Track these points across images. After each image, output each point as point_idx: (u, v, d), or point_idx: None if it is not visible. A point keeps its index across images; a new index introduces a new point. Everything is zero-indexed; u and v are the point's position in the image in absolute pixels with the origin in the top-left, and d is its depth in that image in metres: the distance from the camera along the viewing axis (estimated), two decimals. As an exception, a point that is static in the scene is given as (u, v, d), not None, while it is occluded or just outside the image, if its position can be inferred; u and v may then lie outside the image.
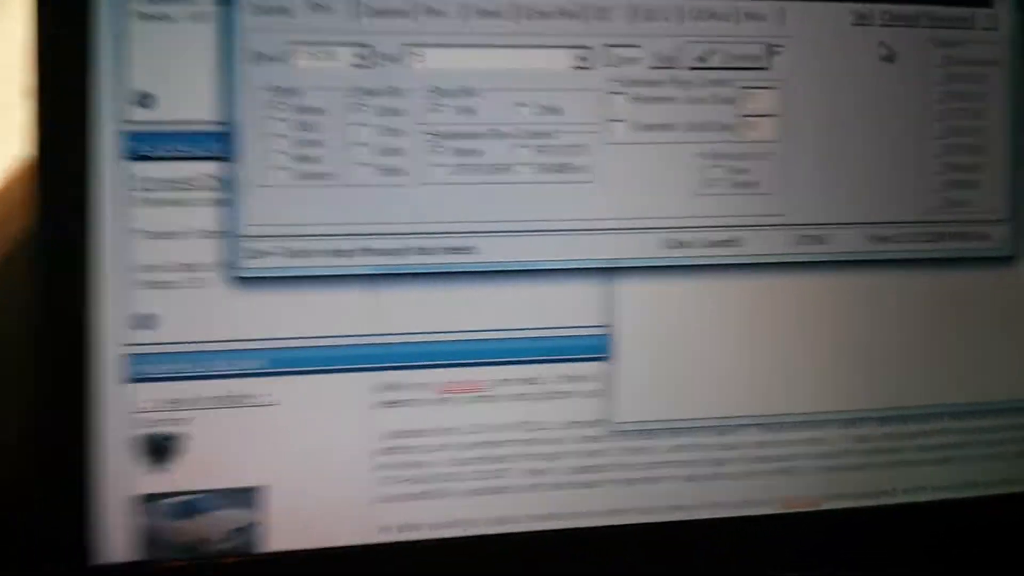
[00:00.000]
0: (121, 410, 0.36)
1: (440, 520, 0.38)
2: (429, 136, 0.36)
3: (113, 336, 0.35)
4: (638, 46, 0.38)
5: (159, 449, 0.36)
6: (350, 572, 0.38)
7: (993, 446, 0.42)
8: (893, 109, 0.40)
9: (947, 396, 0.42)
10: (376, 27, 0.36)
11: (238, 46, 0.35)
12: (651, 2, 0.38)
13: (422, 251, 0.37)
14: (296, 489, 0.37)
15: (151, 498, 0.36)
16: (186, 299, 0.36)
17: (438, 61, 0.36)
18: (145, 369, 0.36)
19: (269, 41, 0.35)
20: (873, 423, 0.41)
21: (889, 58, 0.40)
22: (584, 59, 0.37)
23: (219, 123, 0.35)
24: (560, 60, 0.37)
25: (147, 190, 0.35)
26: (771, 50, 0.39)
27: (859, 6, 0.39)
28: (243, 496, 0.37)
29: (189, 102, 0.35)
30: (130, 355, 0.35)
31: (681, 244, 0.39)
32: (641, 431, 0.39)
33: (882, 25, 0.39)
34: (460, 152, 0.37)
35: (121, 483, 0.36)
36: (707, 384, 0.40)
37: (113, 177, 0.35)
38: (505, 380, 0.38)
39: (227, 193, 0.35)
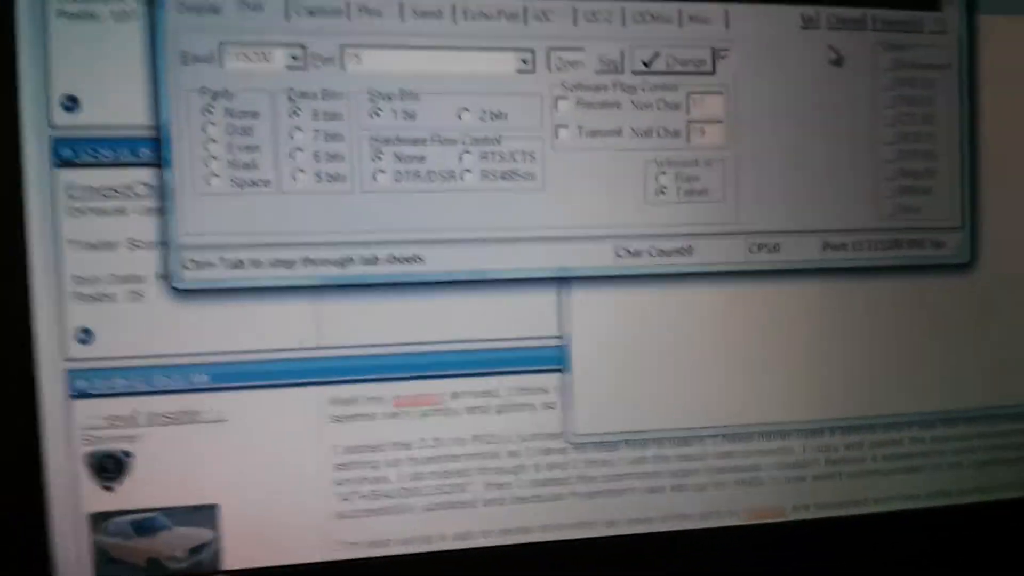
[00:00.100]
0: (66, 427, 0.35)
1: (400, 536, 0.38)
2: (369, 141, 0.36)
3: (52, 353, 0.35)
4: (582, 49, 0.37)
5: (107, 467, 0.35)
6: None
7: (962, 454, 0.42)
8: (843, 114, 0.40)
9: (912, 405, 0.41)
10: (310, 27, 0.35)
11: (166, 46, 0.34)
12: (593, 4, 0.37)
13: (367, 261, 0.36)
14: (251, 506, 0.36)
15: (104, 517, 0.36)
16: (125, 312, 0.35)
17: (376, 63, 0.36)
18: (87, 385, 0.35)
19: (198, 41, 0.35)
20: (838, 432, 0.41)
21: (837, 62, 0.39)
22: (527, 62, 0.37)
23: (149, 127, 0.34)
24: (503, 63, 0.37)
25: (77, 198, 0.34)
26: (716, 54, 0.38)
27: (806, 9, 0.39)
28: (198, 514, 0.36)
29: (117, 105, 0.34)
30: (71, 371, 0.35)
31: (633, 252, 0.38)
32: (601, 443, 0.39)
33: (829, 28, 0.39)
34: (402, 158, 0.36)
35: (72, 502, 0.35)
36: (667, 395, 0.39)
37: (40, 185, 0.34)
38: (460, 393, 0.38)
39: (161, 201, 0.35)
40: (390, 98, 0.36)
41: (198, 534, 0.36)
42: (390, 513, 0.38)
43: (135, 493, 0.36)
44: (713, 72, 0.38)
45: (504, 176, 0.37)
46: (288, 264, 0.36)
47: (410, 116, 0.36)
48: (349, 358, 0.37)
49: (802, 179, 0.39)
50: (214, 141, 0.35)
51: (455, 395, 0.38)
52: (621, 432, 0.39)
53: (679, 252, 0.38)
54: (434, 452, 0.38)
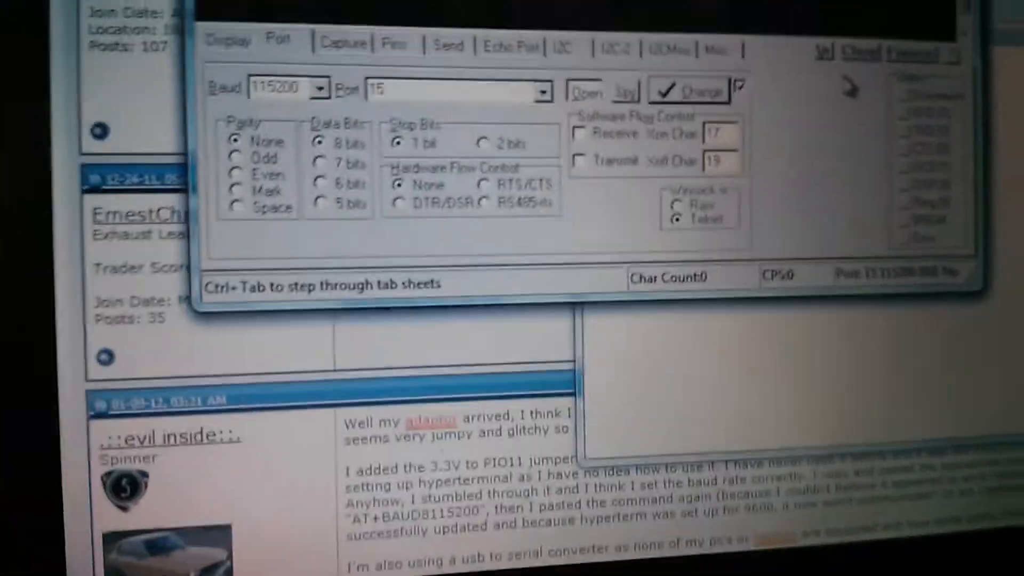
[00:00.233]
0: (83, 447, 0.35)
1: (411, 558, 0.38)
2: (390, 169, 0.36)
3: (73, 373, 0.35)
4: (599, 80, 0.38)
5: (123, 486, 0.36)
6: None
7: (972, 481, 0.42)
8: (857, 144, 0.40)
9: (923, 431, 0.41)
10: (335, 58, 0.36)
11: (194, 76, 0.35)
12: (612, 36, 0.38)
13: (384, 285, 0.37)
14: (263, 527, 0.37)
15: (118, 536, 0.36)
16: (146, 334, 0.35)
17: (398, 93, 0.36)
18: (107, 406, 0.35)
19: (226, 72, 0.35)
20: (849, 458, 0.41)
21: (852, 92, 0.40)
22: (545, 92, 0.37)
23: (176, 154, 0.35)
24: (521, 93, 0.37)
25: (103, 222, 0.35)
26: (732, 84, 0.39)
27: (821, 40, 0.39)
28: (210, 535, 0.36)
29: (145, 133, 0.35)
30: (90, 391, 0.35)
31: (647, 278, 0.38)
32: (612, 467, 0.39)
33: (844, 59, 0.40)
34: (422, 185, 0.37)
35: (87, 521, 0.35)
36: (678, 420, 0.39)
37: (68, 209, 0.35)
38: (473, 416, 0.38)
39: (186, 226, 0.35)
40: (411, 127, 0.36)
41: (211, 554, 0.36)
42: (402, 535, 0.38)
43: (149, 513, 0.36)
44: (729, 102, 0.39)
45: (521, 203, 0.37)
46: (307, 288, 0.36)
47: (430, 144, 0.37)
48: (364, 380, 0.37)
49: (816, 207, 0.40)
50: (239, 168, 0.35)
51: (468, 418, 0.38)
52: (632, 456, 0.39)
53: (693, 278, 0.39)
54: (446, 475, 0.38)
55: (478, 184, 0.37)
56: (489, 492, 0.38)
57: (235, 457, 0.36)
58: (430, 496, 0.38)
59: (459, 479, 0.38)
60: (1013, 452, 0.42)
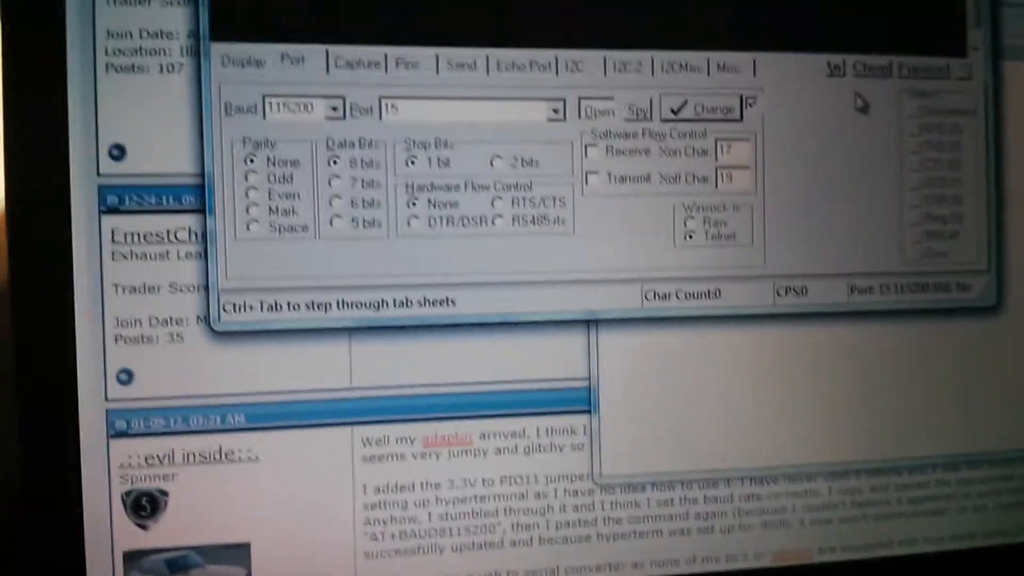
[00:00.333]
0: (103, 467, 0.35)
1: (428, 575, 0.38)
2: (404, 188, 0.37)
3: (92, 392, 0.35)
4: (612, 98, 0.38)
5: (143, 505, 0.36)
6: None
7: (987, 497, 0.42)
8: (869, 160, 0.40)
9: (937, 447, 0.41)
10: (349, 79, 0.36)
11: (211, 98, 0.35)
12: (623, 54, 0.38)
13: (400, 303, 0.37)
14: (282, 545, 0.37)
15: (138, 555, 0.36)
16: (165, 354, 0.36)
17: (412, 113, 0.37)
18: (125, 425, 0.36)
19: (242, 93, 0.35)
20: (864, 475, 0.41)
21: (863, 109, 0.40)
22: (558, 111, 0.37)
23: (193, 175, 0.35)
24: (534, 112, 0.37)
25: (122, 243, 0.35)
26: (744, 101, 0.39)
27: (832, 57, 0.39)
28: (230, 552, 0.37)
29: (162, 154, 0.35)
30: (110, 411, 0.35)
31: (661, 295, 0.38)
32: (628, 485, 0.39)
33: (856, 76, 0.40)
34: (436, 204, 0.37)
35: (108, 539, 0.36)
36: (694, 437, 0.40)
37: (87, 230, 0.35)
38: (490, 433, 0.38)
39: (203, 246, 0.35)
40: (425, 146, 0.37)
41: (230, 572, 0.37)
42: (419, 553, 0.38)
43: (169, 531, 0.36)
44: (741, 119, 0.39)
45: (535, 221, 0.38)
46: (323, 307, 0.36)
47: (444, 163, 0.37)
48: (381, 398, 0.37)
49: (829, 223, 0.40)
50: (255, 188, 0.36)
51: (484, 436, 0.38)
52: (648, 473, 0.39)
53: (707, 295, 0.39)
54: (463, 492, 0.38)
55: (492, 203, 0.37)
56: (505, 510, 0.38)
57: (254, 475, 0.36)
58: (447, 514, 0.38)
59: (476, 497, 0.38)
60: (1027, 467, 0.42)
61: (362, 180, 0.36)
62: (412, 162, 0.37)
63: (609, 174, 0.38)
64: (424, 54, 0.37)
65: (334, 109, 0.36)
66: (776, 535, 0.40)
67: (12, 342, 0.35)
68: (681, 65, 0.38)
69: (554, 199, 0.38)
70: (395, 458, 0.37)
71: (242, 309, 0.36)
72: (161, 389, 0.36)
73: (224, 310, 0.36)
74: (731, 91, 0.39)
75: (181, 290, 0.35)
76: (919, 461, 0.41)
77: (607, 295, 0.38)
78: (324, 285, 0.36)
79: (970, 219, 0.41)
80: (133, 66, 0.35)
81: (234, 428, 0.36)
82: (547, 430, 0.38)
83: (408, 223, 0.37)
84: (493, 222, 0.37)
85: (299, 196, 0.36)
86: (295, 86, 0.36)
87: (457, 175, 0.37)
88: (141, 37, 0.35)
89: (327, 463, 0.37)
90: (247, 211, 0.36)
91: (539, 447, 0.38)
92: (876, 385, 0.41)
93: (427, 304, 0.37)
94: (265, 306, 0.36)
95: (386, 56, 0.36)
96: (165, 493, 0.36)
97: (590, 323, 0.38)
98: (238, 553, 0.37)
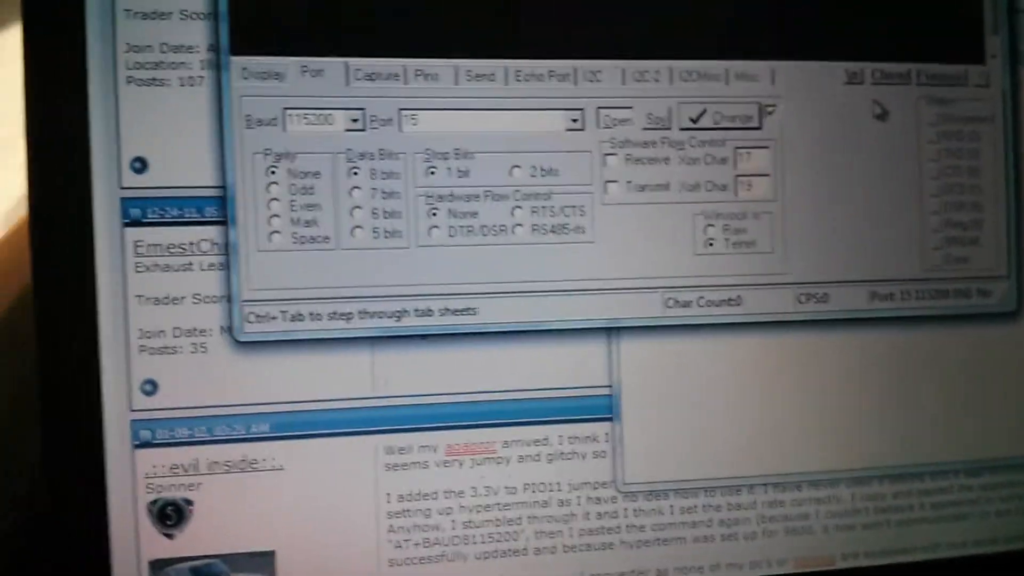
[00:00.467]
0: (128, 476, 0.36)
1: (452, 584, 0.38)
2: (425, 198, 0.37)
3: (117, 403, 0.35)
4: (630, 107, 0.38)
5: (168, 514, 0.36)
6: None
7: (1009, 502, 0.42)
8: (888, 167, 0.40)
9: (960, 453, 0.41)
10: (369, 91, 0.36)
11: (231, 110, 0.35)
12: (641, 64, 0.38)
13: (422, 313, 0.37)
14: (305, 554, 0.37)
15: (164, 563, 0.36)
16: (188, 364, 0.36)
17: (432, 124, 0.37)
18: (150, 435, 0.36)
19: (262, 105, 0.36)
20: (887, 481, 0.41)
21: (882, 116, 0.40)
22: (576, 120, 0.38)
23: (215, 187, 0.35)
24: (553, 122, 0.38)
25: (145, 255, 0.35)
26: (763, 110, 0.39)
27: (850, 65, 0.40)
28: (255, 560, 0.37)
29: (184, 166, 0.35)
30: (134, 421, 0.36)
31: (682, 303, 0.39)
32: (651, 492, 0.39)
33: (874, 83, 0.40)
34: (456, 214, 0.37)
35: (133, 549, 0.36)
36: (716, 444, 0.39)
37: (110, 243, 0.35)
38: (513, 442, 0.38)
39: (226, 257, 0.36)
40: (445, 157, 0.37)
41: (255, 581, 0.37)
42: (443, 561, 0.38)
43: (194, 540, 0.36)
44: (760, 127, 0.39)
45: (555, 230, 0.38)
46: (346, 317, 0.36)
47: (464, 174, 0.37)
48: (404, 407, 0.37)
49: (849, 230, 0.40)
50: (276, 200, 0.36)
51: (507, 444, 0.38)
52: (671, 481, 0.39)
53: (728, 303, 0.39)
54: (486, 500, 0.38)
55: (512, 212, 0.37)
56: (528, 517, 0.38)
57: (278, 484, 0.37)
58: (470, 521, 0.38)
59: (499, 504, 0.38)
60: (1050, 471, 0.42)
61: (383, 191, 0.36)
62: (432, 172, 0.37)
63: (628, 183, 0.38)
64: (443, 66, 0.37)
65: (354, 121, 0.36)
66: (799, 541, 0.40)
67: (37, 354, 0.35)
68: (699, 74, 0.38)
69: (574, 208, 0.38)
70: (418, 466, 0.38)
71: (265, 319, 0.36)
72: (185, 399, 0.36)
73: (247, 320, 0.36)
74: (750, 99, 0.39)
75: (204, 301, 0.36)
76: (941, 467, 0.41)
77: (628, 303, 0.38)
78: (346, 295, 0.36)
79: (990, 225, 0.41)
80: (154, 80, 0.35)
81: (258, 437, 0.36)
82: (569, 438, 0.38)
83: (429, 233, 0.37)
84: (513, 231, 0.37)
85: (320, 207, 0.36)
86: (315, 98, 0.36)
87: (477, 185, 0.37)
88: (162, 51, 0.35)
89: (350, 471, 0.37)
90: (269, 222, 0.36)
91: (561, 455, 0.38)
92: (897, 391, 0.41)
93: (449, 313, 0.37)
94: (288, 316, 0.36)
95: (405, 68, 0.37)
96: (190, 502, 0.36)
97: (611, 331, 0.38)
98: (263, 561, 0.37)
